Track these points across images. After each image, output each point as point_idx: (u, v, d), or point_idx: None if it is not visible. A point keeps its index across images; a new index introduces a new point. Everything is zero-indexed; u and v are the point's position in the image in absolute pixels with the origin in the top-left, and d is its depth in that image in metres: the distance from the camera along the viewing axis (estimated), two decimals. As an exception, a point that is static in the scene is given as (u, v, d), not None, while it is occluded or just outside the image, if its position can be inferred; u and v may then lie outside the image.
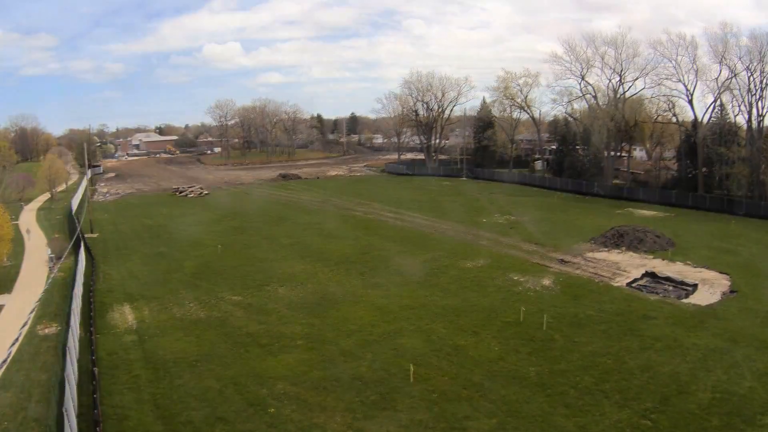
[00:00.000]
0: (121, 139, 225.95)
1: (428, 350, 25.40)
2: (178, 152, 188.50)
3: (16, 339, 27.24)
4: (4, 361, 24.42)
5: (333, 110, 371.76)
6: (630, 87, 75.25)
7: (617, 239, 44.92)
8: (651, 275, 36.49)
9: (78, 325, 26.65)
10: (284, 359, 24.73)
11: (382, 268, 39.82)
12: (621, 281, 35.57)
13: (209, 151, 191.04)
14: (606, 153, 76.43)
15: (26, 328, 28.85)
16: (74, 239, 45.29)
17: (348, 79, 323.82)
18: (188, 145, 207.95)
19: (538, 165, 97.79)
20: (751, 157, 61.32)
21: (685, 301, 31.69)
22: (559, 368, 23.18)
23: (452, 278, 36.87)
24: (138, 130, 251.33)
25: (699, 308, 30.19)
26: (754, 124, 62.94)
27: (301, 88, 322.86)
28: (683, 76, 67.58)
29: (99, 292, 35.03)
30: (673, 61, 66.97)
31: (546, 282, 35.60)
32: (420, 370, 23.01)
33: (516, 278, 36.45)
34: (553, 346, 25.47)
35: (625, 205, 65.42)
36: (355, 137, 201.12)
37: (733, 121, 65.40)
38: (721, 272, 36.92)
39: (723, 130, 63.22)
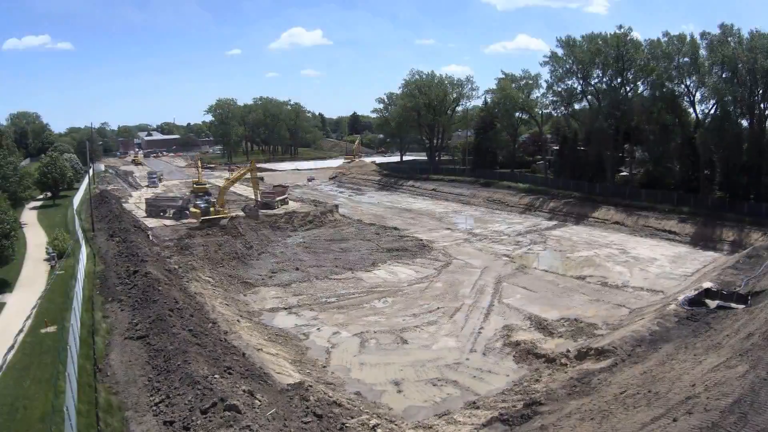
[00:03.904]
0: (122, 138, 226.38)
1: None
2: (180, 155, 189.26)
3: (17, 338, 27.33)
4: (5, 360, 24.51)
5: (335, 110, 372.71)
6: (631, 88, 75.26)
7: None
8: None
9: (78, 323, 26.69)
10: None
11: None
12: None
13: (210, 150, 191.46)
14: (607, 154, 76.34)
15: (27, 326, 28.94)
16: (75, 237, 45.42)
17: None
18: (189, 144, 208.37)
19: (540, 166, 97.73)
20: (753, 159, 61.28)
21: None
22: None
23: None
24: (140, 129, 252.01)
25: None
26: (756, 125, 62.90)
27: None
28: (684, 78, 67.60)
29: (100, 289, 35.04)
30: (675, 62, 66.89)
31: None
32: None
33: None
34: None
35: (630, 207, 65.88)
36: (356, 136, 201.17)
37: (735, 122, 65.11)
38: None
39: (725, 132, 63.02)
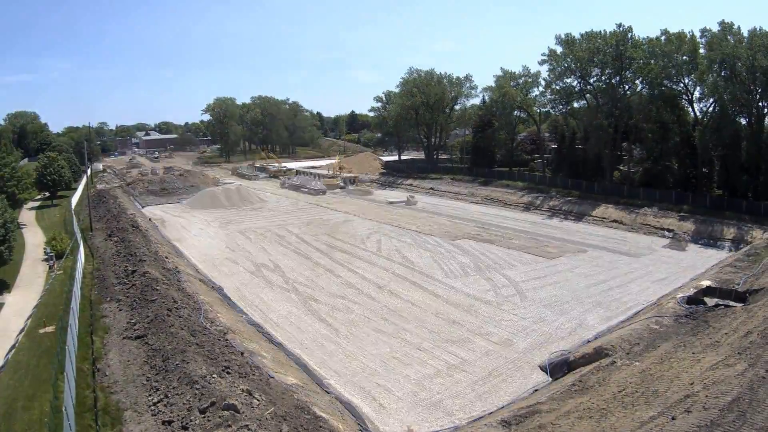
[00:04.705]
0: (119, 138, 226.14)
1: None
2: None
3: (16, 338, 27.32)
4: (5, 361, 24.49)
5: (333, 108, 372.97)
6: (630, 86, 75.28)
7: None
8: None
9: (77, 323, 26.68)
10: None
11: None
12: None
13: (209, 149, 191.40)
14: (605, 152, 76.40)
15: (26, 327, 28.92)
16: (74, 237, 45.35)
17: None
18: (188, 143, 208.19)
19: (538, 164, 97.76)
20: (752, 157, 61.34)
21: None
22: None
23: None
24: (138, 128, 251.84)
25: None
26: (755, 124, 62.95)
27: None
28: (683, 76, 67.61)
29: (98, 289, 35.00)
30: (674, 61, 66.89)
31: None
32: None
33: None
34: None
35: (629, 205, 65.89)
36: (354, 135, 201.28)
37: (733, 121, 65.11)
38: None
39: (723, 130, 63.09)
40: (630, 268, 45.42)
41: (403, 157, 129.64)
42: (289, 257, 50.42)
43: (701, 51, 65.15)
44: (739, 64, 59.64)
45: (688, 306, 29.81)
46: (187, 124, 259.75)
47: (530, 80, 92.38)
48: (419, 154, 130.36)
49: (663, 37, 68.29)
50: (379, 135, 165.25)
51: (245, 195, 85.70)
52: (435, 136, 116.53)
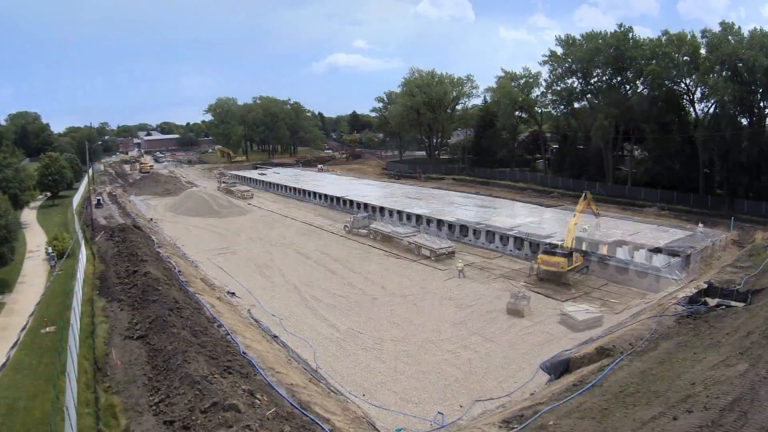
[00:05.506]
0: (121, 139, 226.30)
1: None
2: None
3: (17, 337, 27.35)
4: (6, 360, 24.52)
5: (334, 109, 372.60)
6: (631, 87, 75.15)
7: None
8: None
9: (78, 323, 26.69)
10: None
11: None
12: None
13: (211, 150, 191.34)
14: (607, 153, 76.34)
15: (27, 326, 28.95)
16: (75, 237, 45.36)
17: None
18: (189, 144, 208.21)
19: (540, 164, 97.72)
20: (753, 158, 61.22)
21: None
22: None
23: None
24: (140, 128, 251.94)
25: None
26: (756, 124, 62.82)
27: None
28: (684, 76, 67.47)
29: (100, 289, 35.02)
30: (675, 61, 66.75)
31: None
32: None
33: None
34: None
35: (630, 205, 65.73)
36: (356, 135, 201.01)
37: (734, 121, 64.96)
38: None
39: (724, 131, 62.98)
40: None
41: (404, 157, 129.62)
42: (289, 257, 50.53)
43: (702, 51, 65.01)
44: (740, 64, 59.51)
45: (689, 306, 29.79)
46: (188, 124, 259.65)
47: (531, 81, 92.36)
48: (420, 154, 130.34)
49: (664, 38, 68.16)
50: (380, 135, 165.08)
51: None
52: (436, 136, 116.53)
